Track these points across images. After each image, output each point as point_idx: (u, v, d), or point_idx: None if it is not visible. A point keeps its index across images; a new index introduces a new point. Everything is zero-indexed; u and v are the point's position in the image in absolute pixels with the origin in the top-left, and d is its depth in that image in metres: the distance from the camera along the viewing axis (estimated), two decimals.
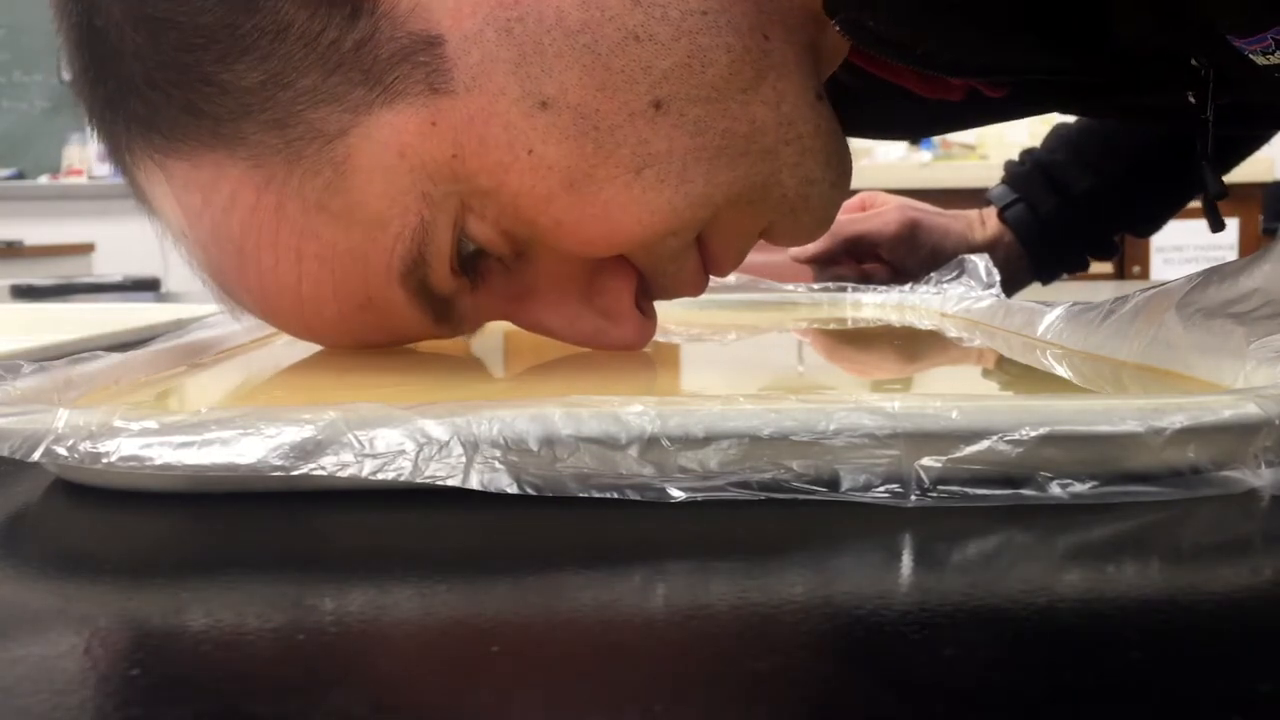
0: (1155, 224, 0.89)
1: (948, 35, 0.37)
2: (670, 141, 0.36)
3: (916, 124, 0.55)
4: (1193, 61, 0.39)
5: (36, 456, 0.24)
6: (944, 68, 0.41)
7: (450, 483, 0.23)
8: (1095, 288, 1.15)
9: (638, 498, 0.23)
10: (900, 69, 0.46)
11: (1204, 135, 0.40)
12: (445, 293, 0.38)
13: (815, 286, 0.75)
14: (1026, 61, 0.40)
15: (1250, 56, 0.34)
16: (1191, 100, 0.40)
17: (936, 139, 2.62)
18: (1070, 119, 0.87)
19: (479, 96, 0.34)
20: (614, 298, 0.40)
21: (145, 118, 0.36)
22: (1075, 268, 0.92)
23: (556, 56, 0.35)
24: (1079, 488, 0.24)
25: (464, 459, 0.23)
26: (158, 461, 0.24)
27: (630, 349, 0.41)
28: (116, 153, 0.38)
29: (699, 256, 0.41)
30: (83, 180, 3.80)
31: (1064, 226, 0.87)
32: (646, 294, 0.42)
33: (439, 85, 0.34)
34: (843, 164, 0.41)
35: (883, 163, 2.54)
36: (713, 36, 0.36)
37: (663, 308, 0.43)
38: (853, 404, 0.24)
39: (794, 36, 0.37)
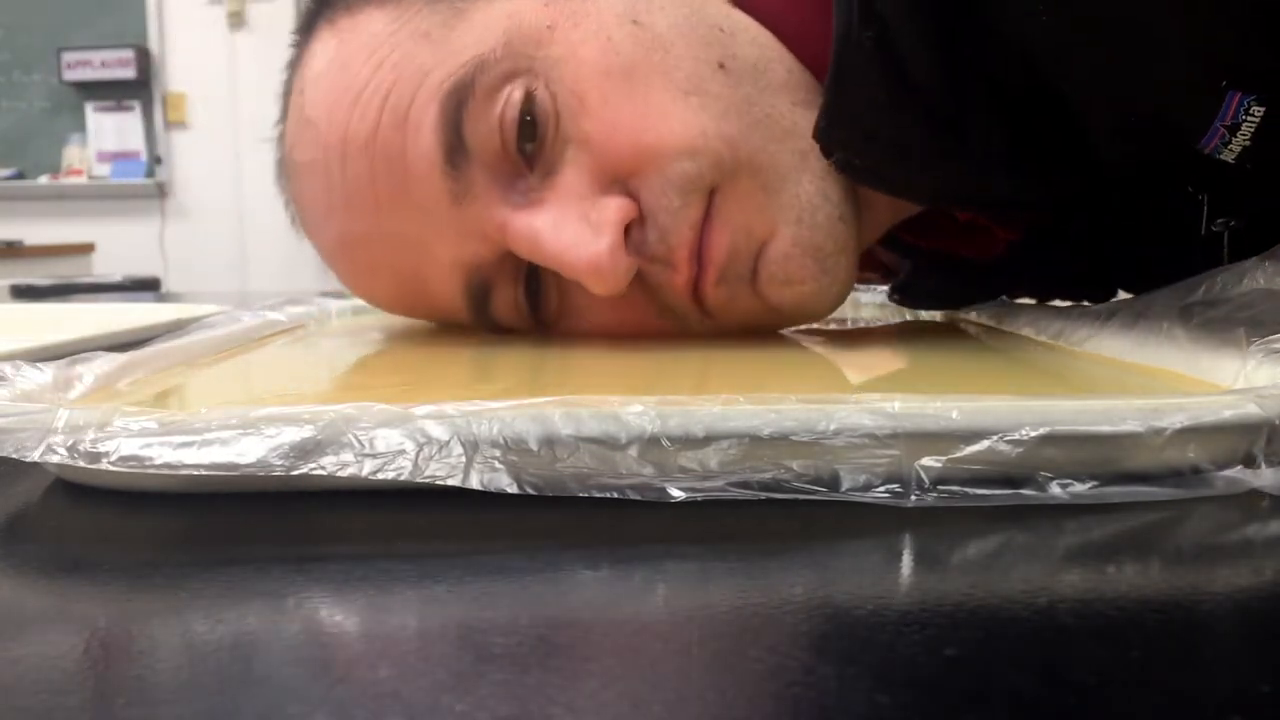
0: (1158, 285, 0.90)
1: (924, 170, 0.42)
2: (721, 91, 0.42)
3: (971, 290, 0.59)
4: (1189, 188, 0.42)
5: (36, 456, 0.24)
6: (929, 198, 0.46)
7: (450, 483, 0.23)
8: None
9: (638, 498, 0.23)
10: (946, 238, 0.53)
11: (1215, 256, 0.42)
12: (470, 139, 0.42)
13: None
14: (1012, 190, 0.44)
15: (1221, 158, 0.37)
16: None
17: None
18: None
19: (590, 2, 0.43)
20: (605, 212, 0.41)
21: None
22: (1071, 297, 0.92)
23: (660, 7, 0.43)
24: (1079, 488, 0.24)
25: (464, 459, 0.23)
26: (158, 461, 0.24)
27: (599, 272, 0.41)
28: (305, 41, 0.48)
29: (702, 217, 0.42)
30: (83, 180, 3.80)
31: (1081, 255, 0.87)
32: (638, 244, 0.42)
33: None
34: (856, 214, 0.44)
35: None
36: (779, 58, 0.43)
37: None
38: (853, 404, 0.24)
39: None
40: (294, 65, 0.48)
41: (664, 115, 0.41)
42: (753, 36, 0.43)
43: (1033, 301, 0.57)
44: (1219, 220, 0.41)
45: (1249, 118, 0.35)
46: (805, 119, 0.42)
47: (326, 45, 0.45)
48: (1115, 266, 0.52)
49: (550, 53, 0.41)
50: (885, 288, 0.74)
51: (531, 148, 0.42)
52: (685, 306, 0.44)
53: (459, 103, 0.41)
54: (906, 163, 0.42)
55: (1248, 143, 0.36)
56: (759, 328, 0.48)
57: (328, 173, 0.44)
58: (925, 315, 0.65)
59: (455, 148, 0.42)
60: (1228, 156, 0.37)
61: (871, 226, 0.48)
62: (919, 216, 0.50)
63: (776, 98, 0.42)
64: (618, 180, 0.42)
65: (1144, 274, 0.48)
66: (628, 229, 0.42)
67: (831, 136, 0.41)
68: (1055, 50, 0.38)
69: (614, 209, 0.41)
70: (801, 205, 0.42)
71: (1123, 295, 0.52)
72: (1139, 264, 0.50)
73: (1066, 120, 0.40)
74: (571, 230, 0.41)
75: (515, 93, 0.41)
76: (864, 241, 0.48)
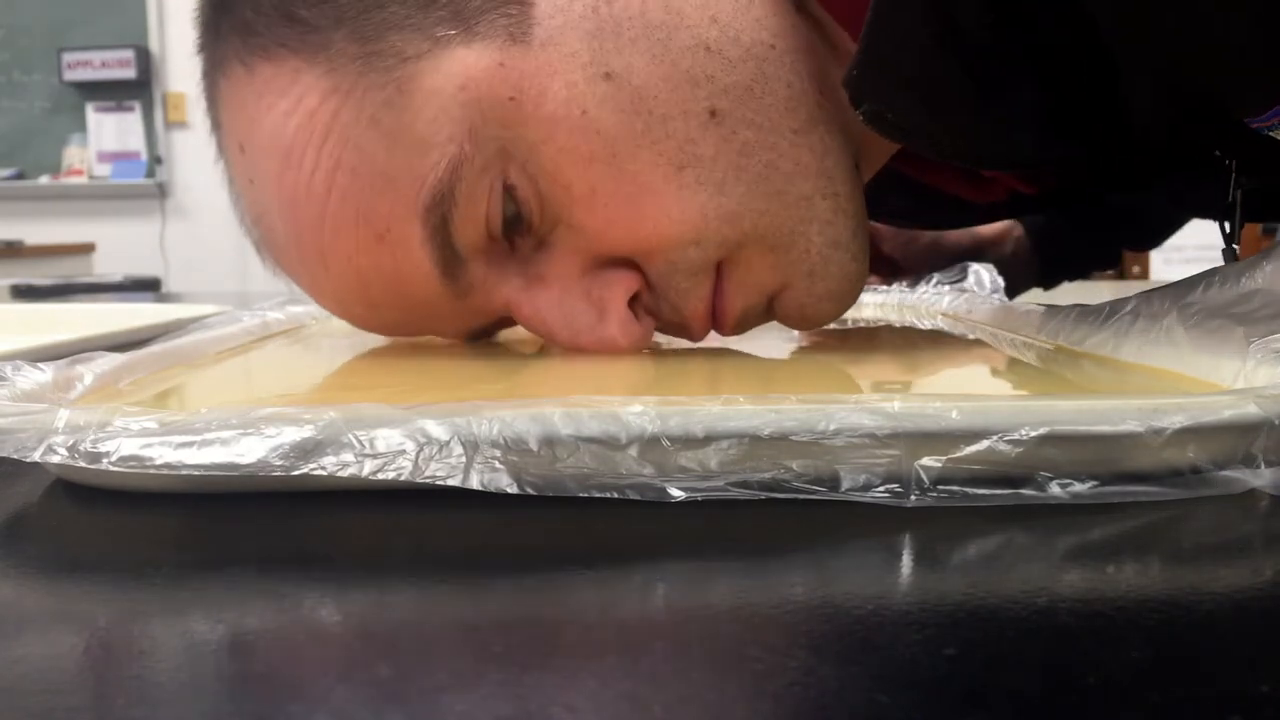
0: (1160, 239, 0.89)
1: (957, 125, 0.39)
2: (716, 151, 0.38)
3: (949, 221, 0.58)
4: (1216, 153, 0.40)
5: (36, 456, 0.24)
6: (958, 156, 0.43)
7: (450, 483, 0.23)
8: (1095, 289, 1.15)
9: (638, 498, 0.23)
10: (946, 176, 0.50)
11: (1232, 222, 0.41)
12: (461, 245, 0.39)
13: None
14: (1040, 151, 0.42)
15: (1270, 134, 0.35)
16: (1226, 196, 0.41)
17: None
18: None
19: (551, 53, 0.37)
20: (610, 290, 0.40)
21: (249, 22, 0.39)
22: (1077, 274, 0.92)
23: (631, 41, 0.37)
24: (1079, 488, 0.24)
25: (464, 459, 0.23)
26: (158, 461, 0.24)
27: (613, 350, 0.41)
28: (212, 66, 0.42)
29: (712, 289, 0.41)
30: (83, 180, 3.80)
31: (1081, 226, 0.86)
32: (648, 308, 0.42)
33: (518, 35, 0.37)
34: (866, 242, 0.43)
35: None
36: (776, 68, 0.39)
37: None
38: (853, 404, 0.24)
39: (845, 105, 0.39)
40: (213, 100, 0.43)
41: (659, 201, 0.38)
42: (745, 38, 0.38)
43: (1033, 303, 0.57)
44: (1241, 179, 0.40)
45: None
46: (808, 150, 0.40)
47: (252, 104, 0.39)
48: (1122, 220, 0.51)
49: (523, 134, 0.37)
50: (885, 288, 0.75)
51: (520, 234, 0.40)
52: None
53: (443, 218, 0.38)
54: (937, 116, 0.39)
55: None
56: None
57: (313, 275, 0.42)
58: (926, 319, 0.65)
59: (450, 260, 0.39)
60: (1278, 135, 0.35)
61: (871, 169, 0.46)
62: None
63: (776, 134, 0.39)
64: (618, 260, 0.41)
65: (1152, 225, 0.47)
66: (636, 294, 0.41)
67: (863, 84, 0.37)
68: (1123, 15, 0.35)
69: (618, 285, 0.40)
70: (813, 260, 0.41)
71: (1127, 289, 0.52)
72: (1146, 216, 0.49)
73: (1106, 83, 0.38)
74: (576, 312, 0.40)
75: (495, 188, 0.38)
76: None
